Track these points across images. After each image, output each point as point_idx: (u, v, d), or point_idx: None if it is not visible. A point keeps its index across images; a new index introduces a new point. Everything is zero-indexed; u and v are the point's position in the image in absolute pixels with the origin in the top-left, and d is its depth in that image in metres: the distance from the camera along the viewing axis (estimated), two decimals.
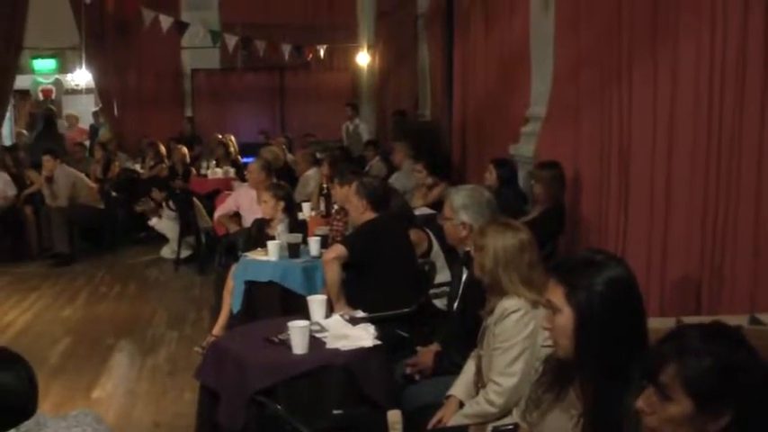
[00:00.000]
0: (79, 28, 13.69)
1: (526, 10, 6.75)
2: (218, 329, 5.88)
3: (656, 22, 4.20)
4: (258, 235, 5.91)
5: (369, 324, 3.76)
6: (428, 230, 5.36)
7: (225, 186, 9.92)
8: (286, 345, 3.56)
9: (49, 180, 9.79)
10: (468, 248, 3.83)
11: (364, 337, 3.61)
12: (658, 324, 2.71)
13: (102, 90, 14.56)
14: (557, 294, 2.27)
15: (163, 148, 11.86)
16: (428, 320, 4.67)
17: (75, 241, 9.91)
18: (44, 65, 15.81)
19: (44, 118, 14.19)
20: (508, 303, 3.15)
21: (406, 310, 4.56)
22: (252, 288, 5.33)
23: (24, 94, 16.61)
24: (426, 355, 3.88)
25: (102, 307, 7.74)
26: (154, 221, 9.78)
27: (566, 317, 2.24)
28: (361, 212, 4.87)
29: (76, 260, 9.68)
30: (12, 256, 9.89)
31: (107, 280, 8.85)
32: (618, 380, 2.11)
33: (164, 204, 9.71)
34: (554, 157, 5.57)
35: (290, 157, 10.79)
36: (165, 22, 11.43)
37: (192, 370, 5.46)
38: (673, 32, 4.05)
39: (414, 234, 5.11)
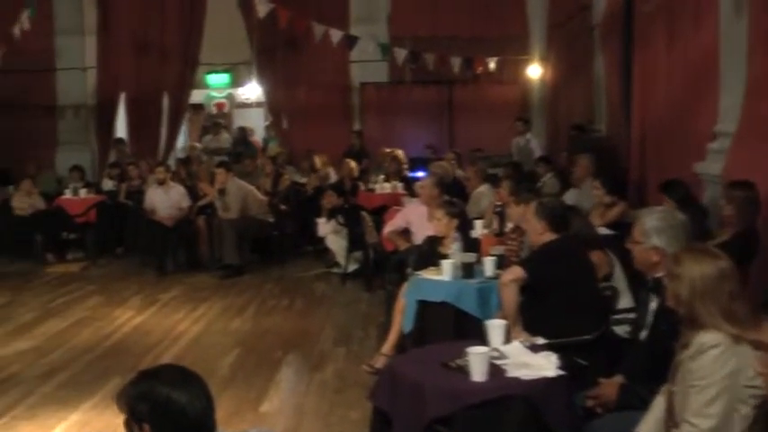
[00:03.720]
0: (251, 43, 14.29)
1: (715, 16, 6.41)
2: (387, 348, 5.90)
3: None
4: (430, 253, 5.90)
5: (550, 352, 3.66)
6: (610, 252, 5.18)
7: (393, 201, 10.01)
8: (464, 371, 3.50)
9: (222, 192, 10.21)
10: (658, 275, 3.65)
11: (546, 366, 3.51)
12: None
13: (272, 104, 15.12)
14: None
15: (318, 161, 12.15)
16: (608, 349, 4.49)
17: (244, 253, 10.29)
18: (218, 80, 16.58)
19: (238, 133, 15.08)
20: (706, 338, 2.95)
21: (587, 337, 4.41)
22: (424, 308, 5.31)
23: (198, 107, 17.50)
24: (610, 387, 3.72)
25: (270, 320, 7.96)
26: (322, 225, 9.94)
27: None
28: (539, 233, 4.75)
29: (246, 272, 10.03)
30: (185, 266, 10.42)
31: (275, 293, 9.11)
32: None
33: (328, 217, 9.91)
34: (747, 176, 5.25)
35: (459, 172, 10.76)
36: (335, 36, 11.73)
37: (360, 388, 5.56)
38: None
39: (595, 256, 4.95)
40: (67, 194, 11.94)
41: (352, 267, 9.52)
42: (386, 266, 7.87)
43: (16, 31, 11.79)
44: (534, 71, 14.10)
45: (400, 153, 12.23)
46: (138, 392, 2.16)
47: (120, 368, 6.36)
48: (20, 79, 13.78)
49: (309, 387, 5.95)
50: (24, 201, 11.45)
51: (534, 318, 4.46)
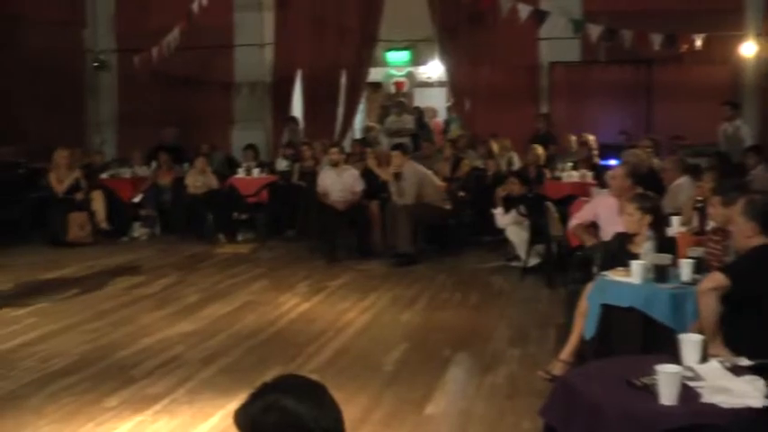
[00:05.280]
0: (433, 19, 14.20)
1: None
2: (566, 355, 5.65)
3: None
4: (619, 251, 5.57)
5: (756, 377, 3.30)
6: None
7: (581, 192, 9.67)
8: (650, 391, 3.22)
9: (398, 176, 10.19)
10: None
11: (751, 393, 3.16)
12: None
13: (454, 83, 14.97)
14: None
15: (495, 146, 11.92)
16: None
17: (418, 242, 10.25)
18: (398, 57, 16.64)
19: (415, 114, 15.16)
20: None
21: None
22: (609, 313, 5.04)
23: (376, 86, 17.65)
24: None
25: (441, 314, 7.85)
26: (500, 216, 9.77)
27: None
28: (747, 236, 4.34)
29: (418, 261, 9.99)
30: (356, 252, 10.50)
31: (448, 285, 9.01)
32: None
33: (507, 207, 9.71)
34: None
35: (655, 161, 10.24)
36: (523, 11, 11.43)
37: (534, 395, 5.35)
38: None
39: None
40: (240, 174, 12.33)
41: (533, 262, 9.30)
42: (569, 263, 7.58)
43: (195, 7, 12.27)
44: (748, 49, 13.21)
45: (591, 139, 11.80)
46: (264, 405, 2.07)
47: (281, 357, 6.45)
48: (198, 56, 14.36)
49: (479, 390, 5.78)
50: (198, 179, 11.93)
51: (737, 334, 4.08)
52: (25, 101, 13.90)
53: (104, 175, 12.70)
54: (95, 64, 15.00)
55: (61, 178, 11.70)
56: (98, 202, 11.81)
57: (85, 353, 6.57)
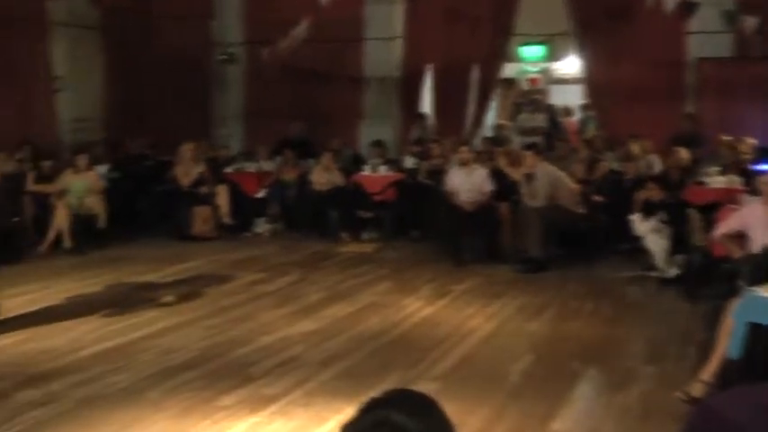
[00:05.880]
0: (571, 12, 13.90)
1: None
2: (707, 375, 5.41)
3: None
4: None
5: None
6: None
7: (728, 198, 9.28)
8: None
9: (529, 177, 10.05)
10: None
11: None
12: None
13: (592, 80, 14.62)
14: None
15: (636, 147, 11.59)
16: None
17: (549, 247, 10.06)
18: (532, 52, 16.39)
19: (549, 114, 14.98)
20: None
21: None
22: (757, 332, 4.82)
23: (509, 82, 17.43)
24: None
25: (571, 325, 7.68)
26: (637, 222, 9.51)
27: None
28: None
29: (548, 268, 9.82)
30: (483, 256, 10.40)
31: (579, 294, 8.81)
32: None
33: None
34: None
35: None
36: (670, 2, 11.06)
37: (670, 418, 5.16)
38: None
39: None
40: (366, 171, 12.40)
41: (673, 273, 9.04)
42: (713, 275, 7.31)
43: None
44: None
45: (749, 142, 11.32)
46: (373, 421, 2.02)
47: (402, 362, 6.44)
48: (326, 49, 14.51)
49: (608, 409, 5.60)
50: (323, 175, 12.07)
51: None
52: (154, 94, 14.40)
53: (229, 169, 13.00)
54: (223, 57, 15.36)
55: (187, 171, 12.05)
56: (222, 197, 12.11)
57: (204, 349, 6.73)
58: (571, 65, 15.78)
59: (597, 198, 10.78)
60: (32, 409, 5.38)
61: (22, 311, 7.87)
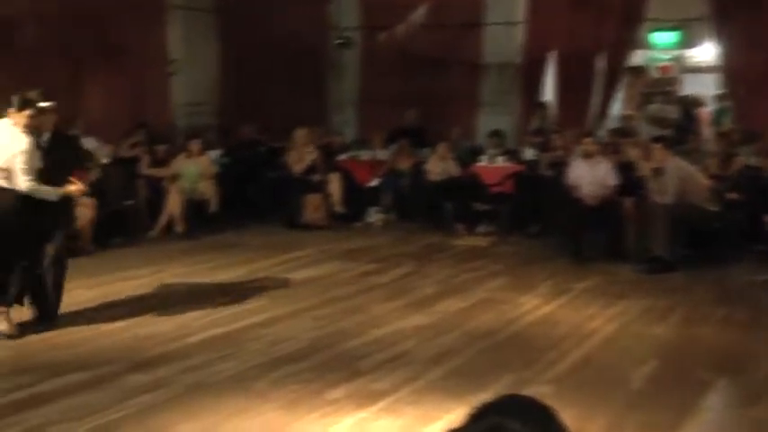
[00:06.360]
0: None
1: None
2: None
3: None
4: None
5: None
6: None
7: None
8: None
9: (658, 172, 9.78)
10: None
11: None
12: None
13: (728, 69, 14.11)
14: None
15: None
16: None
17: (677, 246, 9.75)
18: (664, 38, 15.92)
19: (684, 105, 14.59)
20: None
21: None
22: None
23: (638, 70, 16.98)
24: None
25: (699, 331, 7.40)
26: None
27: None
28: None
29: (676, 269, 9.52)
30: (605, 253, 10.17)
31: (710, 298, 8.49)
32: None
33: None
34: None
35: None
36: None
37: None
38: None
39: None
40: (484, 161, 12.29)
41: None
42: None
43: None
44: None
45: None
46: (486, 427, 1.94)
47: (517, 362, 6.33)
48: (445, 34, 14.40)
49: (741, 425, 5.39)
50: (438, 165, 12.02)
51: None
52: (268, 79, 14.56)
53: (343, 157, 13.06)
54: (339, 41, 15.42)
55: (300, 158, 12.17)
56: (335, 185, 12.20)
57: (313, 340, 6.77)
58: (706, 52, 15.26)
59: (732, 195, 10.41)
60: (141, 394, 5.50)
61: (133, 294, 8.09)
